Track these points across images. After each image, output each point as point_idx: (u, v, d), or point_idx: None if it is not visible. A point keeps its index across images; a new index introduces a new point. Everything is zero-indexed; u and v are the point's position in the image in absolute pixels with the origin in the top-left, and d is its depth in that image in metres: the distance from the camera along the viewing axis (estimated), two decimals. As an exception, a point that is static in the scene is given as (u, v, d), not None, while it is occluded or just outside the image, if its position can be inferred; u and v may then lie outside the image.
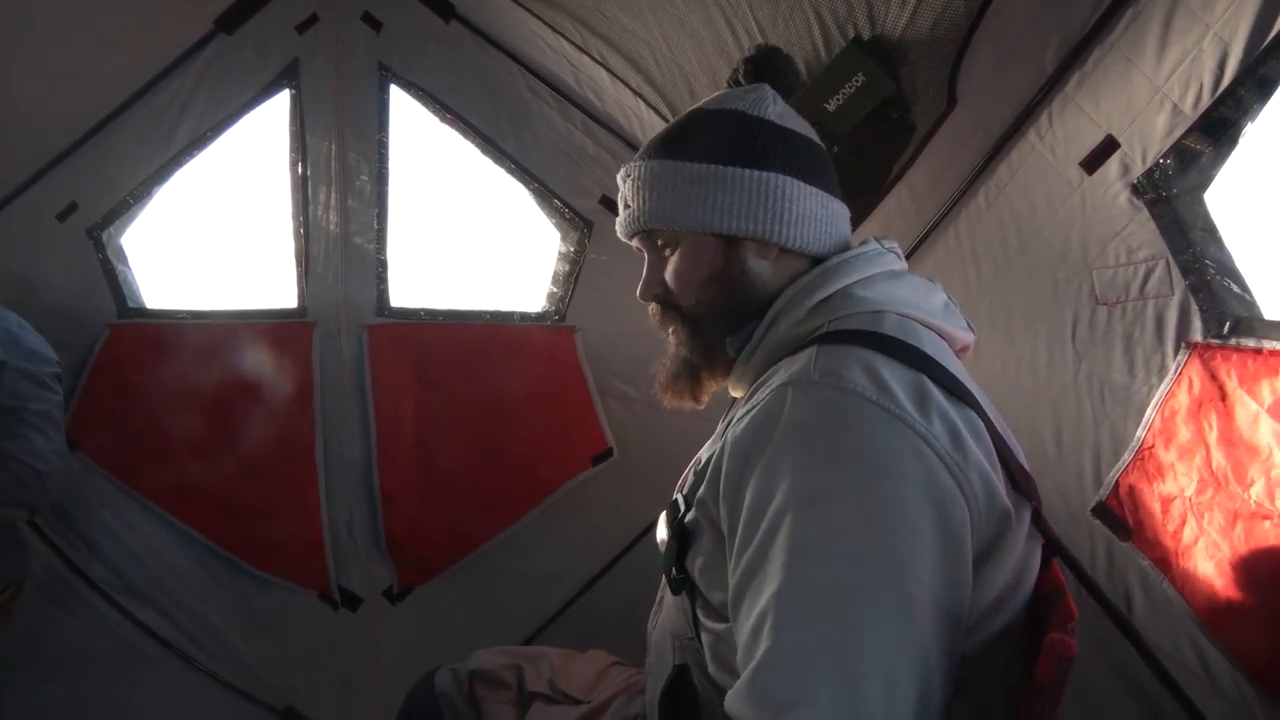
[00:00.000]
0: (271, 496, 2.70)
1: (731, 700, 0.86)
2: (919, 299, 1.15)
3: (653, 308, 1.26)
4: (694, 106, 1.25)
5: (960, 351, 1.19)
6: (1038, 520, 1.05)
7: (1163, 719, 1.72)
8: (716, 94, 1.25)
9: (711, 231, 1.16)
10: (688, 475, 1.24)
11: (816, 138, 1.24)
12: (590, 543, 2.88)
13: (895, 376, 0.96)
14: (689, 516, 1.09)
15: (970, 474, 0.92)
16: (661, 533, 1.19)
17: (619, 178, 1.26)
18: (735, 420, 1.04)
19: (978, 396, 1.03)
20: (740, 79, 1.29)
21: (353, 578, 2.81)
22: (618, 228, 1.27)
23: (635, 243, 1.27)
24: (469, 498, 2.83)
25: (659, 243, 1.22)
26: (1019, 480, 1.01)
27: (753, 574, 0.90)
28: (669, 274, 1.21)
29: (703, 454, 1.20)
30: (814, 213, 1.17)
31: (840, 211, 1.22)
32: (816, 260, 1.18)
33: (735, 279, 1.17)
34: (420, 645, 2.73)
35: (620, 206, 1.26)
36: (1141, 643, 1.74)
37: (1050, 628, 0.94)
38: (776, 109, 1.21)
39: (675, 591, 1.14)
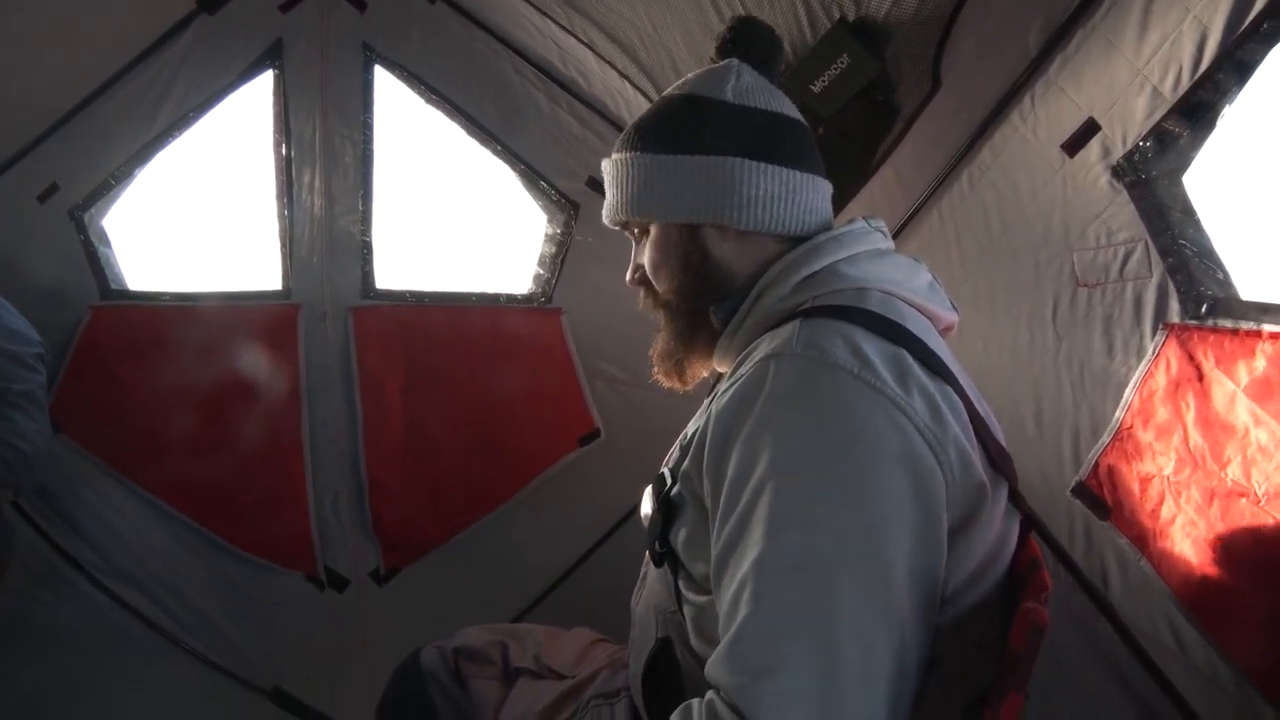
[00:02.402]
0: (257, 478, 2.70)
1: (711, 666, 0.88)
2: (904, 277, 1.15)
3: (641, 291, 1.29)
4: (664, 92, 1.27)
5: (944, 331, 1.20)
6: (1015, 498, 1.07)
7: (1138, 694, 1.75)
8: (686, 76, 1.27)
9: (665, 222, 1.20)
10: (674, 450, 1.25)
11: (787, 109, 1.24)
12: (577, 523, 2.88)
13: (876, 351, 0.97)
14: (674, 490, 1.11)
15: (948, 448, 0.94)
16: (646, 507, 1.20)
17: (603, 166, 1.29)
18: (719, 394, 1.05)
19: (958, 375, 1.05)
20: (714, 56, 1.29)
21: (339, 559, 2.81)
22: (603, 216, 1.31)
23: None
24: (455, 479, 2.83)
25: (635, 231, 1.27)
26: (996, 458, 1.02)
27: (734, 544, 0.92)
28: (645, 262, 1.25)
29: (689, 428, 1.21)
30: (770, 192, 1.17)
31: (809, 185, 1.20)
32: (795, 237, 1.19)
33: (699, 264, 1.19)
34: (407, 626, 2.73)
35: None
36: (1117, 619, 1.77)
37: (1024, 598, 0.96)
38: (738, 85, 1.21)
39: (658, 564, 1.15)
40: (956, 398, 1.00)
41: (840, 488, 0.89)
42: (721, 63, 1.26)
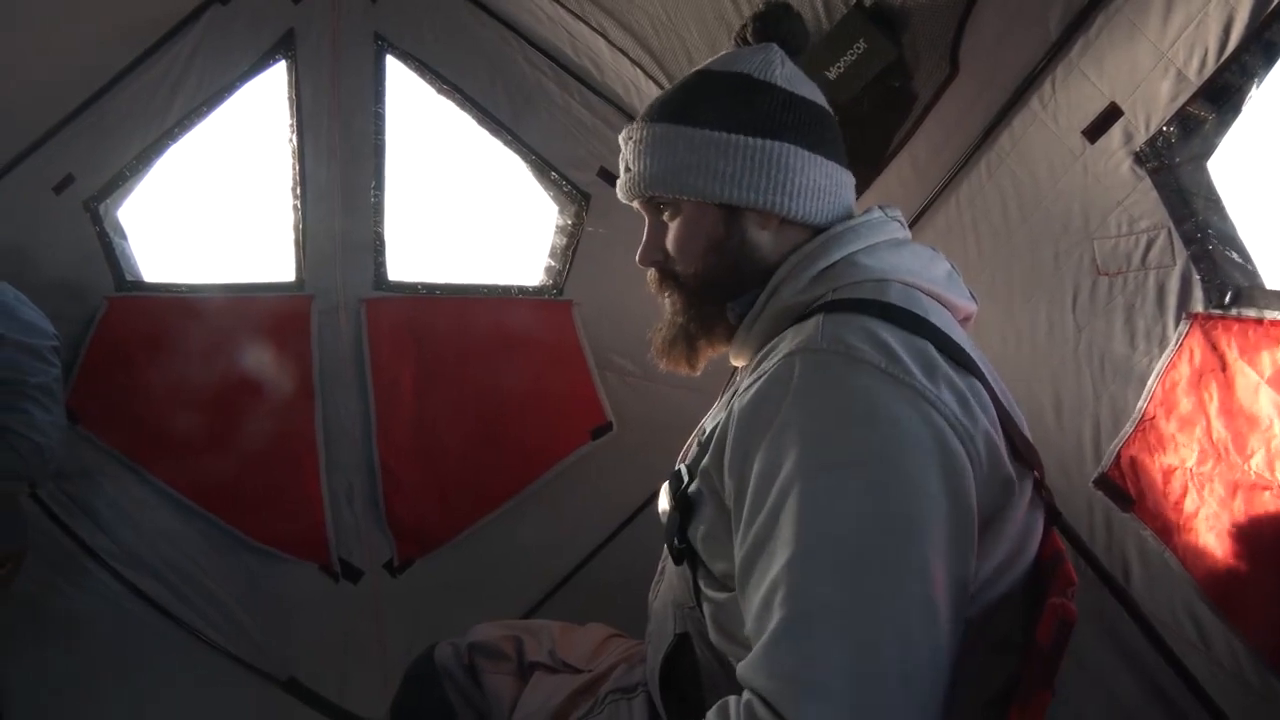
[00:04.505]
0: (271, 469, 2.71)
1: (746, 669, 0.86)
2: (922, 267, 1.14)
3: (651, 273, 1.25)
4: (699, 66, 1.23)
5: (963, 321, 1.18)
6: (1039, 489, 1.05)
7: (1159, 687, 1.73)
8: (723, 54, 1.23)
9: (713, 201, 1.15)
10: (691, 445, 1.24)
11: (825, 102, 1.22)
12: (589, 516, 2.89)
13: (902, 344, 0.95)
14: (692, 487, 1.09)
15: (978, 441, 0.93)
16: (664, 503, 1.18)
17: (621, 139, 1.24)
18: (741, 390, 1.03)
19: (981, 365, 1.03)
20: (748, 37, 1.25)
21: (353, 550, 2.82)
22: (618, 190, 1.25)
23: (636, 205, 1.25)
24: (468, 471, 2.84)
25: (660, 208, 1.21)
26: (1021, 449, 1.01)
27: (762, 544, 0.90)
28: (669, 241, 1.20)
29: (706, 423, 1.20)
30: (818, 183, 1.15)
31: (846, 180, 1.21)
32: (818, 229, 1.17)
33: (735, 249, 1.16)
34: (420, 617, 2.76)
35: (621, 169, 1.23)
36: (1139, 613, 1.75)
37: (1051, 592, 0.95)
38: (785, 72, 1.19)
39: (677, 561, 1.14)
40: (983, 390, 0.98)
41: (871, 484, 0.87)
42: (759, 45, 1.22)
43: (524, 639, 1.57)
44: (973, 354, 1.03)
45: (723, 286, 1.18)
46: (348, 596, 2.81)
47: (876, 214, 1.18)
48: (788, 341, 1.02)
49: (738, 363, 1.25)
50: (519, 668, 1.54)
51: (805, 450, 0.90)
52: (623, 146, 1.23)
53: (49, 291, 2.36)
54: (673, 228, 1.19)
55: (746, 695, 0.86)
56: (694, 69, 1.23)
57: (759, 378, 1.00)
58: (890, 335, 0.96)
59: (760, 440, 0.94)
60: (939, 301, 1.12)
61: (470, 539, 2.85)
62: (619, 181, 1.24)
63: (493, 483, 2.84)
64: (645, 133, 1.18)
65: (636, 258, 1.24)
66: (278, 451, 2.72)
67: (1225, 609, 1.59)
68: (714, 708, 0.90)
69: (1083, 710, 1.82)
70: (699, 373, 1.27)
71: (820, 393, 0.94)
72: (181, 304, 2.67)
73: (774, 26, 1.24)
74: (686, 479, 1.11)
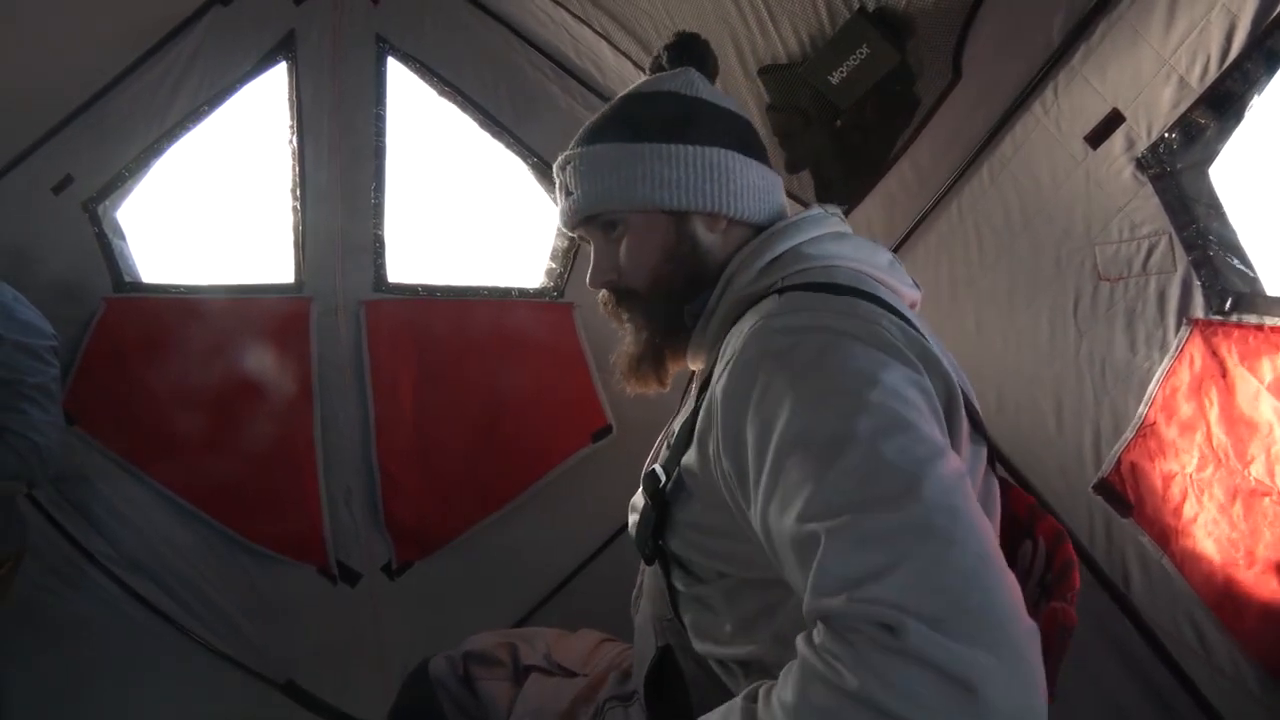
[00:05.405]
0: (269, 472, 2.70)
1: (811, 602, 0.79)
2: (866, 255, 1.17)
3: (603, 295, 1.28)
4: (624, 92, 1.28)
5: (909, 307, 1.20)
6: (993, 463, 1.08)
7: (1159, 693, 1.74)
8: (643, 79, 1.29)
9: (661, 209, 1.19)
10: (660, 448, 1.27)
11: (746, 114, 1.29)
12: (589, 519, 2.87)
13: (857, 311, 0.99)
14: (669, 485, 1.10)
15: (934, 381, 0.95)
16: (633, 513, 1.20)
17: (556, 168, 1.27)
18: (715, 379, 1.03)
19: (929, 339, 1.04)
20: (664, 64, 1.31)
21: (351, 553, 2.80)
22: (560, 218, 1.28)
23: (579, 233, 1.28)
24: (468, 474, 2.82)
25: (607, 228, 1.23)
26: (974, 419, 1.02)
27: (773, 493, 0.87)
28: (622, 257, 1.22)
29: (675, 424, 1.22)
30: (756, 184, 1.22)
31: (778, 182, 1.28)
32: (760, 228, 1.22)
33: (688, 254, 1.20)
34: (419, 620, 2.74)
35: (560, 197, 1.26)
36: (1139, 618, 1.75)
37: (1053, 597, 0.95)
38: (707, 88, 1.26)
39: (649, 561, 1.17)
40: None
41: (863, 402, 0.86)
42: (678, 69, 1.28)
43: (519, 645, 1.58)
44: (920, 329, 1.04)
45: (680, 292, 1.21)
46: (346, 599, 2.79)
47: (816, 210, 1.23)
48: (748, 321, 1.04)
49: (694, 365, 1.27)
50: (514, 673, 1.54)
51: (793, 398, 0.89)
52: (559, 175, 1.26)
53: (47, 292, 2.36)
54: (624, 244, 1.22)
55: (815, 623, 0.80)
56: (619, 94, 1.29)
57: (729, 360, 1.00)
58: (844, 306, 1.00)
59: (746, 411, 0.94)
60: (885, 286, 1.15)
61: (469, 542, 2.84)
62: (560, 209, 1.27)
63: (492, 485, 2.83)
64: (585, 155, 1.22)
65: (587, 282, 1.27)
66: (276, 454, 2.70)
67: (1222, 615, 1.60)
68: (800, 637, 0.81)
69: (1081, 714, 1.82)
70: (668, 388, 1.30)
71: (792, 347, 0.95)
72: (180, 305, 2.66)
73: (687, 52, 1.31)
74: (663, 479, 1.11)
